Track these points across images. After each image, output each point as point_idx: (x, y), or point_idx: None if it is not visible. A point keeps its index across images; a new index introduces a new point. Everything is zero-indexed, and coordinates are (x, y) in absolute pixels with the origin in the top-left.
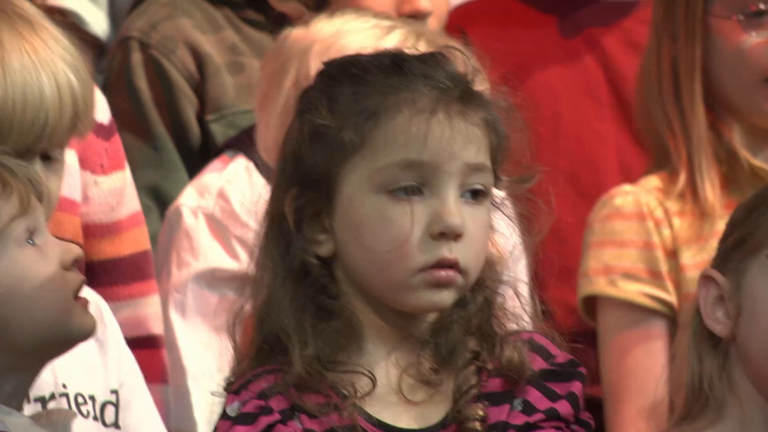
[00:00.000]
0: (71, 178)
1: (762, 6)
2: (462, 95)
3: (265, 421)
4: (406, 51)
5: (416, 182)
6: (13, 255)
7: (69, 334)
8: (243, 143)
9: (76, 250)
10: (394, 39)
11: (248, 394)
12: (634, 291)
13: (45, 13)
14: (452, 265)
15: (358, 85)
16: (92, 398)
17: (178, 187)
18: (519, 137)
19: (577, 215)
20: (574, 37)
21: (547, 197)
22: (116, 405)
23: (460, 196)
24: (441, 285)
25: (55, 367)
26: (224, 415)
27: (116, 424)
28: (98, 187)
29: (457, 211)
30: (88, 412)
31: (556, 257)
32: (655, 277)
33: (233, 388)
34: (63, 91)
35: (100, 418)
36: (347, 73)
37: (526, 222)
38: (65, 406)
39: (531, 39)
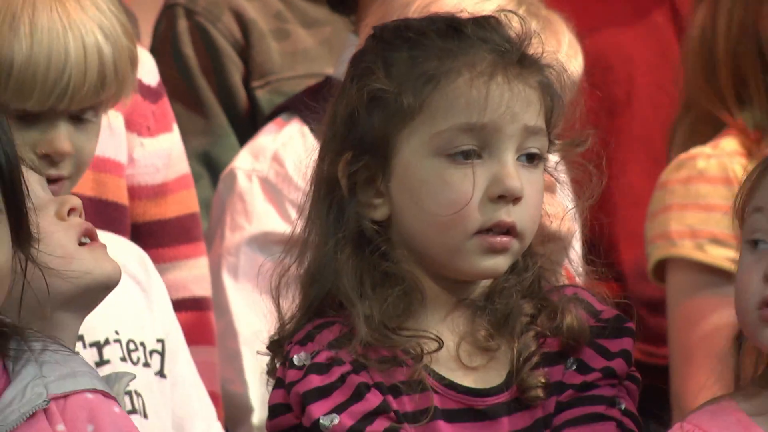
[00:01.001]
0: (117, 139)
1: None
2: (520, 58)
3: (338, 371)
4: (465, 12)
5: (475, 145)
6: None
7: (84, 280)
8: (298, 106)
9: (71, 200)
10: (494, 3)
11: (316, 345)
12: (722, 257)
13: None
14: (508, 231)
15: (415, 49)
16: (143, 345)
17: (228, 152)
18: (576, 101)
19: (651, 180)
20: None
21: (601, 161)
22: (162, 354)
23: (517, 159)
24: (496, 251)
25: (108, 314)
26: (291, 365)
27: (161, 373)
28: (144, 149)
29: (516, 174)
30: (138, 359)
31: (629, 221)
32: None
33: (296, 339)
34: (89, 54)
35: (150, 364)
36: (403, 37)
37: (578, 186)
38: (118, 351)
39: (604, 1)
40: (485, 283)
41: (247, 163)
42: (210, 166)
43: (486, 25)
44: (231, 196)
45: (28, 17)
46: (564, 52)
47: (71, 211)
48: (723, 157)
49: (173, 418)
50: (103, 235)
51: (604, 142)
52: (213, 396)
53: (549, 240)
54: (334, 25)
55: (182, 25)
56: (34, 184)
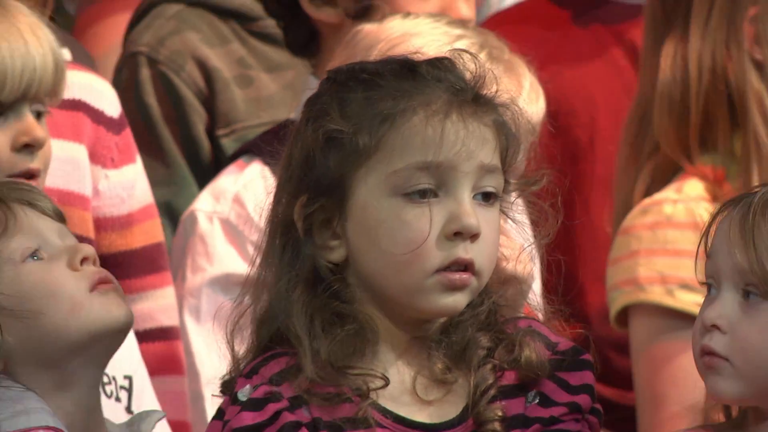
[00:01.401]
0: (81, 172)
1: None
2: (474, 97)
3: (273, 408)
4: (421, 53)
5: (432, 184)
6: (13, 274)
7: (94, 328)
8: (259, 148)
9: (84, 249)
10: (459, 46)
11: (259, 378)
12: (692, 302)
13: None
14: (466, 267)
15: (370, 90)
16: (114, 379)
17: (190, 202)
18: (534, 141)
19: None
20: (607, 37)
21: (557, 199)
22: (129, 390)
23: (473, 198)
24: (455, 288)
25: None
26: (235, 400)
27: (129, 409)
28: (109, 180)
29: (472, 211)
30: (111, 392)
31: (594, 263)
32: None
33: (244, 372)
34: (42, 41)
35: (120, 399)
36: (358, 78)
37: (536, 224)
38: None
39: (568, 43)
40: (442, 318)
41: (208, 205)
42: (172, 216)
43: (440, 65)
44: (192, 237)
45: None
46: (525, 95)
47: (84, 260)
48: (689, 202)
49: None
50: None
51: (561, 181)
52: (183, 426)
53: (506, 282)
54: (296, 69)
55: (145, 73)
56: (49, 232)
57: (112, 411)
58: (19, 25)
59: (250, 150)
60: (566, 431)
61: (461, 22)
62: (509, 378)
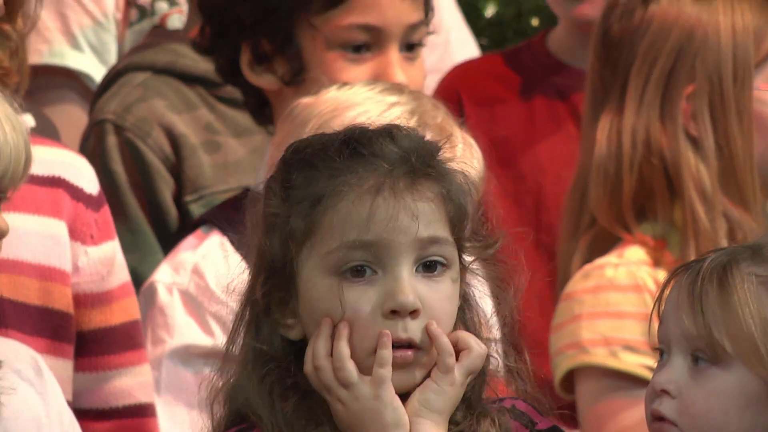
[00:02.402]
0: (61, 248)
1: None
2: (411, 170)
3: None
4: (362, 127)
5: (367, 262)
6: None
7: None
8: (217, 219)
9: None
10: (393, 115)
11: None
12: (636, 363)
13: (53, 74)
14: (410, 344)
15: (308, 170)
16: None
17: (156, 269)
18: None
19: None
20: (561, 104)
21: (519, 259)
22: None
23: (416, 271)
24: (399, 366)
25: (7, 420)
26: None
27: None
28: (88, 257)
29: (409, 288)
30: None
31: (536, 331)
32: (654, 349)
33: None
34: (17, 132)
35: None
36: (300, 157)
37: (499, 286)
38: None
39: (520, 106)
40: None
41: (167, 277)
42: (137, 283)
43: (382, 139)
44: (152, 309)
45: None
46: (459, 155)
47: None
48: (630, 266)
49: None
50: None
51: (522, 239)
52: None
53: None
54: (264, 134)
55: (111, 141)
56: None
57: None
58: None
59: (209, 221)
60: None
61: (397, 88)
62: None
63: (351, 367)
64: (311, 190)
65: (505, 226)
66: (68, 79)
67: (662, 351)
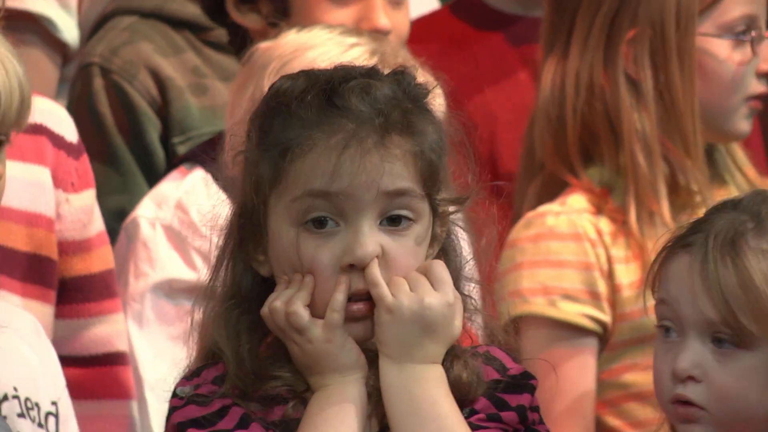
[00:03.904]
0: (45, 195)
1: (747, 27)
2: (383, 125)
3: (219, 403)
4: (345, 72)
5: (330, 214)
6: None
7: None
8: (200, 156)
9: None
10: (353, 55)
11: (200, 379)
12: (575, 312)
13: (14, 18)
14: (368, 296)
15: (282, 116)
16: (37, 405)
17: None
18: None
19: None
20: (510, 53)
21: (490, 212)
22: (56, 417)
23: (380, 224)
24: (357, 318)
25: (6, 370)
26: (175, 395)
27: None
28: (70, 204)
29: (369, 241)
30: (34, 418)
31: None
32: (594, 297)
33: (186, 375)
34: (11, 75)
35: (45, 426)
36: (278, 101)
37: (475, 236)
38: (16, 407)
39: (468, 58)
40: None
41: (150, 212)
42: None
43: (360, 89)
44: (134, 243)
45: None
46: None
47: None
48: (572, 214)
49: None
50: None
51: (493, 191)
52: None
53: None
54: None
55: (98, 83)
56: None
57: None
58: None
59: (192, 158)
60: None
61: (356, 31)
62: None
63: (302, 312)
64: (281, 138)
65: (462, 175)
66: (30, 23)
67: (667, 328)
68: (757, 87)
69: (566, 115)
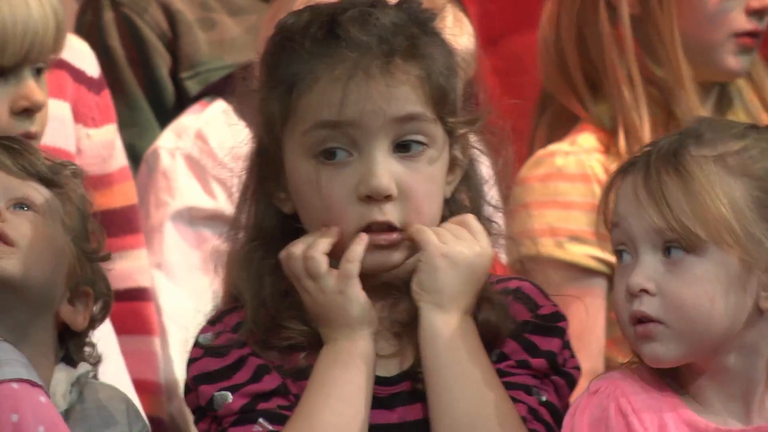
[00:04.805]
0: (66, 130)
1: None
2: (388, 52)
3: (237, 353)
4: (350, 3)
5: (341, 144)
6: None
7: None
8: (221, 90)
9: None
10: None
11: (222, 326)
12: (582, 254)
13: None
14: (391, 227)
15: (287, 52)
16: None
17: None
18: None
19: None
20: None
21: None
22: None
23: (393, 152)
24: (383, 247)
25: None
26: (197, 344)
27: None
28: (90, 139)
29: (383, 171)
30: None
31: None
32: (600, 238)
33: (210, 319)
34: (45, 4)
35: None
36: (283, 36)
37: (492, 157)
38: None
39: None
40: (411, 267)
41: (170, 142)
42: (135, 158)
43: (362, 19)
44: (154, 174)
45: None
46: (448, 30)
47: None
48: (581, 154)
49: None
50: None
51: (511, 110)
52: (155, 386)
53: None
54: (259, 13)
55: (108, 16)
56: None
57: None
58: None
59: (213, 92)
60: (514, 383)
61: None
62: None
63: (320, 258)
64: (287, 73)
65: (494, 102)
66: None
67: (622, 252)
68: (744, 23)
69: (563, 45)
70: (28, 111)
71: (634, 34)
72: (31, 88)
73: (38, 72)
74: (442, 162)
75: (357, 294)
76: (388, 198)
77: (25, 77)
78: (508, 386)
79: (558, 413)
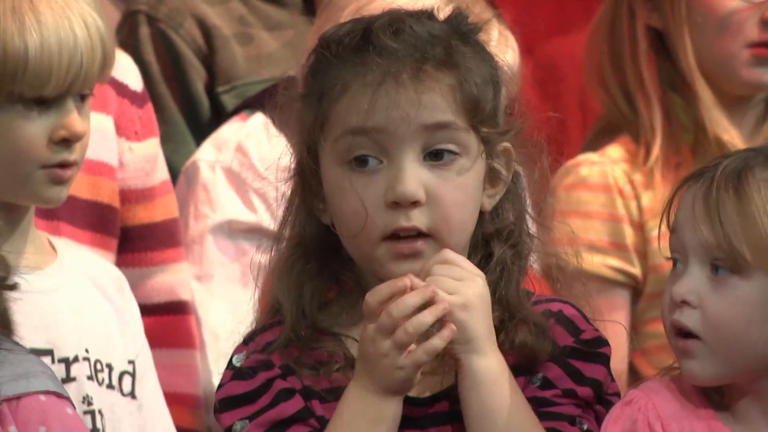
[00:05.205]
0: (109, 143)
1: None
2: (420, 59)
3: (263, 376)
4: (390, 14)
5: (371, 152)
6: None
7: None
8: (260, 102)
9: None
10: (429, 1)
11: (254, 345)
12: (598, 263)
13: None
14: (419, 234)
15: (324, 63)
16: (109, 366)
17: (188, 159)
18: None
19: None
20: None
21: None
22: (133, 375)
23: (424, 160)
24: (405, 256)
25: (81, 331)
26: (229, 364)
27: (133, 394)
28: (133, 153)
29: (410, 177)
30: (102, 380)
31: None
32: (619, 248)
33: (244, 338)
34: (92, 32)
35: (117, 386)
36: (322, 47)
37: (528, 168)
38: (87, 370)
39: (555, 7)
40: None
41: (210, 155)
42: (171, 173)
43: (396, 27)
44: (194, 186)
45: (28, 6)
46: (493, 45)
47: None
48: (606, 165)
49: None
50: (86, 253)
51: (549, 128)
52: (196, 399)
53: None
54: (296, 28)
55: (144, 32)
56: None
57: (106, 398)
58: (70, 15)
59: (253, 105)
60: (560, 413)
61: None
62: (512, 358)
63: (413, 333)
64: (320, 82)
65: (532, 112)
66: None
67: (675, 260)
68: (759, 34)
69: (600, 57)
70: (67, 141)
71: (658, 46)
72: (73, 119)
73: (82, 98)
74: (475, 172)
75: (413, 377)
76: (415, 204)
77: (68, 107)
78: (553, 416)
79: None
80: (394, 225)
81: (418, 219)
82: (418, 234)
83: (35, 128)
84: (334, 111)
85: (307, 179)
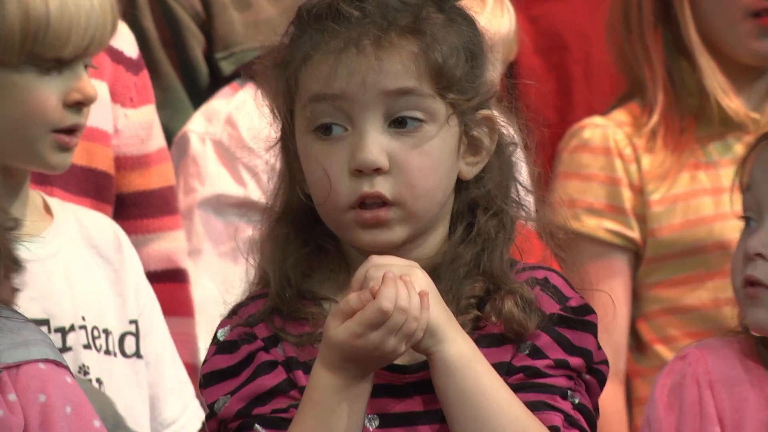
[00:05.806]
0: (103, 109)
1: None
2: (383, 28)
3: (246, 349)
4: None
5: (335, 119)
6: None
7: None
8: (252, 72)
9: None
10: None
11: (237, 318)
12: (597, 226)
13: None
14: (384, 203)
15: (295, 32)
16: (106, 332)
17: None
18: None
19: None
20: None
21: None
22: (136, 335)
23: (389, 127)
24: (369, 224)
25: (76, 299)
26: (214, 339)
27: (138, 354)
28: (128, 119)
29: (372, 144)
30: (100, 346)
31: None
32: (617, 212)
33: (230, 311)
34: (104, 6)
35: (118, 351)
36: (297, 16)
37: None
38: (83, 338)
39: None
40: (427, 253)
41: (200, 126)
42: (168, 139)
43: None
44: (184, 159)
45: None
46: (489, 11)
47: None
48: (608, 128)
49: (149, 398)
50: (82, 210)
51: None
52: (193, 368)
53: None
54: None
55: None
56: None
57: (103, 364)
58: None
59: (245, 73)
60: (552, 385)
61: None
62: (499, 327)
63: (418, 327)
64: (288, 53)
65: (534, 82)
66: None
67: (748, 219)
68: (757, 2)
69: (618, 26)
70: (80, 104)
71: (666, 14)
72: (85, 82)
73: (86, 67)
74: (441, 139)
75: (393, 358)
76: (378, 171)
77: (80, 71)
78: (543, 388)
79: (590, 416)
80: (358, 192)
81: (381, 186)
82: (384, 203)
83: (50, 90)
84: (300, 79)
85: (288, 148)
